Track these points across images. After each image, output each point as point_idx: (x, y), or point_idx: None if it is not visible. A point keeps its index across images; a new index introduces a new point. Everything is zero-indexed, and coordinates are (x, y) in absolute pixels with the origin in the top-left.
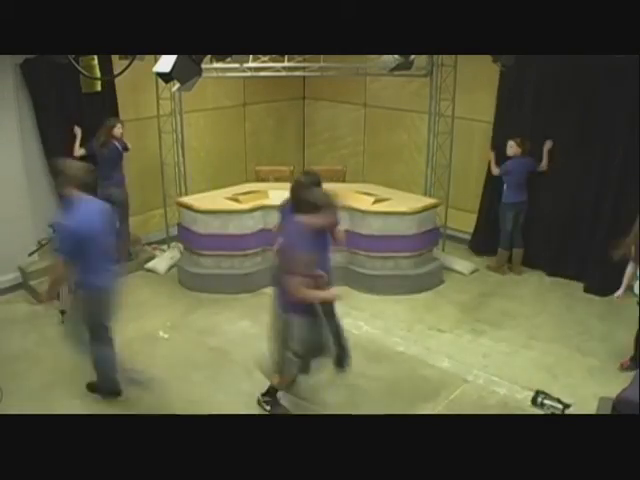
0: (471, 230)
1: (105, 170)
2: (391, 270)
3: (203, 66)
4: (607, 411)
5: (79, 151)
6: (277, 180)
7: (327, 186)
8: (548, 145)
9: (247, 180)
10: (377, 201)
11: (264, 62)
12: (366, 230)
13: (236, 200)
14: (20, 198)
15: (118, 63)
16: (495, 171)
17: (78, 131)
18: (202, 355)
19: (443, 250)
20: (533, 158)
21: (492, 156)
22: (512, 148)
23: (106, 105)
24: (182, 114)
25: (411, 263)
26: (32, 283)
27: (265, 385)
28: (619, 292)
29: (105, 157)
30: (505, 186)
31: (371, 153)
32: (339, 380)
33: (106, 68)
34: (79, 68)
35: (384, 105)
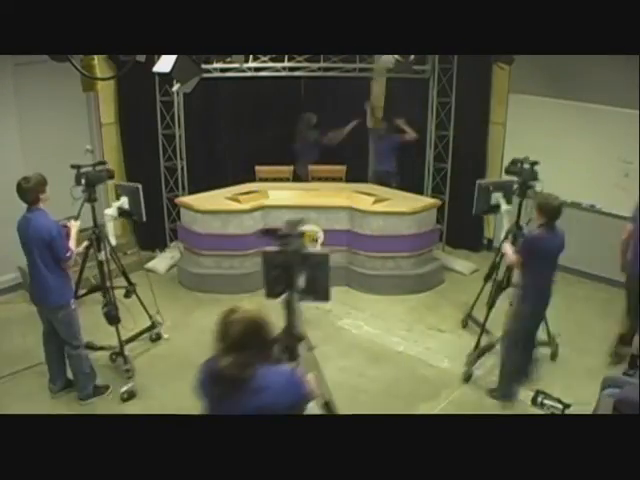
0: None
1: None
2: (391, 270)
3: (203, 66)
4: (608, 409)
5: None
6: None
7: (326, 186)
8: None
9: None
10: (377, 201)
11: (264, 62)
12: (366, 230)
13: (236, 200)
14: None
15: None
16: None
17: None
18: (202, 355)
19: (443, 250)
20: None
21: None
22: None
23: None
24: (181, 113)
25: (411, 263)
26: None
27: None
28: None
29: None
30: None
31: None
32: (339, 380)
33: None
34: (79, 68)
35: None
